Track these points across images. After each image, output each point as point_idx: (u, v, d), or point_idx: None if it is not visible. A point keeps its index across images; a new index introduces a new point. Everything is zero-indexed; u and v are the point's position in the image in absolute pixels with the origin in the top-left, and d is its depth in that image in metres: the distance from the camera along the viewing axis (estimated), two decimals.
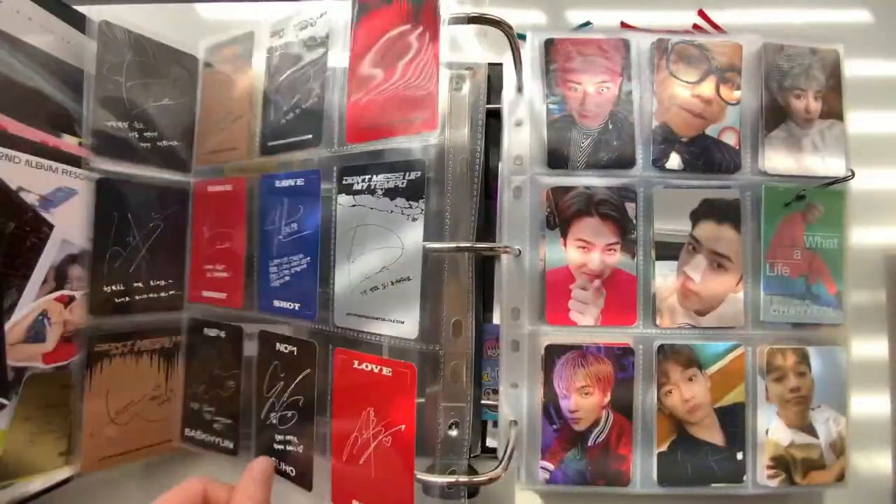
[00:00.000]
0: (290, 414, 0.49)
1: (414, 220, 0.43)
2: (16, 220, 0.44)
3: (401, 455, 0.43)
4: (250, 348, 0.52)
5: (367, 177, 0.45)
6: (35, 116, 0.46)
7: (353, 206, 0.46)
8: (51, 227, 0.46)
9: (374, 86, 0.45)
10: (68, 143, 0.48)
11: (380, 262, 0.44)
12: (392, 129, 0.44)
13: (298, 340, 0.49)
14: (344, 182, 0.47)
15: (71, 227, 0.48)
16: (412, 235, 0.44)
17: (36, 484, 0.46)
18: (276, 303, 0.50)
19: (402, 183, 0.44)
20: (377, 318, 0.45)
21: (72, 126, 0.49)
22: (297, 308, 0.49)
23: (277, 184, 0.51)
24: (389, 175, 0.44)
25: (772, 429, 0.49)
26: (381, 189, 0.45)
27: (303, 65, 0.50)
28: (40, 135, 0.46)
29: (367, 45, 0.46)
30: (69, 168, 0.48)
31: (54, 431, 0.47)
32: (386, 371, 0.44)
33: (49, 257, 0.46)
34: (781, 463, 0.49)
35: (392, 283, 0.44)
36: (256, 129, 0.52)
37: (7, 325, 0.44)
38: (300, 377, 0.49)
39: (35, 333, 0.45)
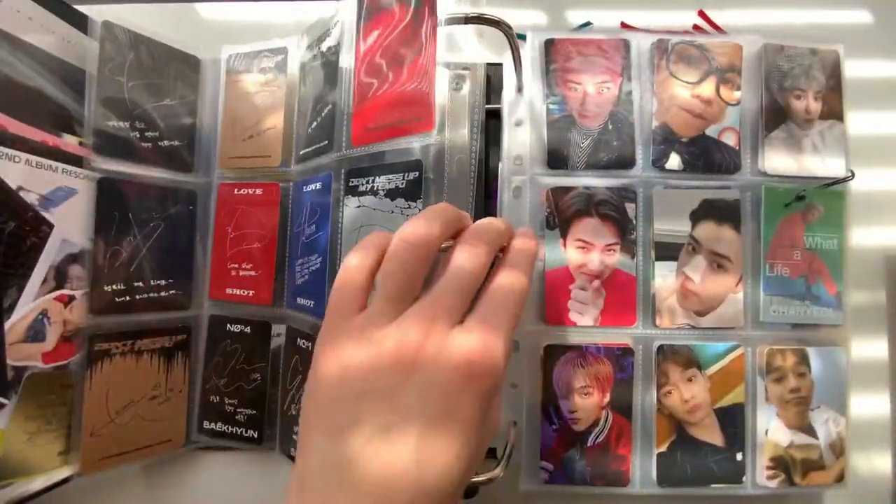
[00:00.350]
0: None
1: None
2: (16, 219, 0.44)
3: None
4: (278, 343, 0.55)
5: (370, 178, 0.46)
6: (35, 116, 0.46)
7: (359, 206, 0.47)
8: (51, 226, 0.46)
9: (377, 88, 0.46)
10: (69, 142, 0.48)
11: None
12: (392, 131, 0.45)
13: (313, 337, 0.50)
14: (350, 184, 0.48)
15: (71, 226, 0.48)
16: None
17: (36, 484, 0.46)
18: (299, 300, 0.52)
19: (402, 183, 0.44)
20: None
21: (72, 126, 0.48)
22: (311, 306, 0.50)
23: (305, 188, 0.53)
24: (390, 176, 0.45)
25: (771, 429, 0.49)
26: (383, 190, 0.45)
27: (324, 74, 0.51)
28: (41, 134, 0.46)
29: (371, 48, 0.47)
30: (69, 168, 0.48)
31: (54, 431, 0.47)
32: None
33: (49, 257, 0.46)
34: (781, 463, 0.49)
35: None
36: (292, 139, 0.55)
37: (7, 325, 0.44)
38: None
39: (35, 333, 0.45)
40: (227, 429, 0.54)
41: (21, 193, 0.45)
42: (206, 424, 0.55)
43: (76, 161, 0.48)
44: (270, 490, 0.54)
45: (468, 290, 0.35)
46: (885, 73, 0.58)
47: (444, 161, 0.44)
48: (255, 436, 0.54)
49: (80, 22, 0.49)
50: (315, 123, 0.52)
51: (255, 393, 0.54)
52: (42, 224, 0.46)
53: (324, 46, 0.52)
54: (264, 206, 0.55)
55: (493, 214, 0.52)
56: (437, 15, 0.43)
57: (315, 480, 0.31)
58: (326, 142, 0.50)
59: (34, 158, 0.45)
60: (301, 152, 0.54)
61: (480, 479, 0.43)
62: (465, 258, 0.35)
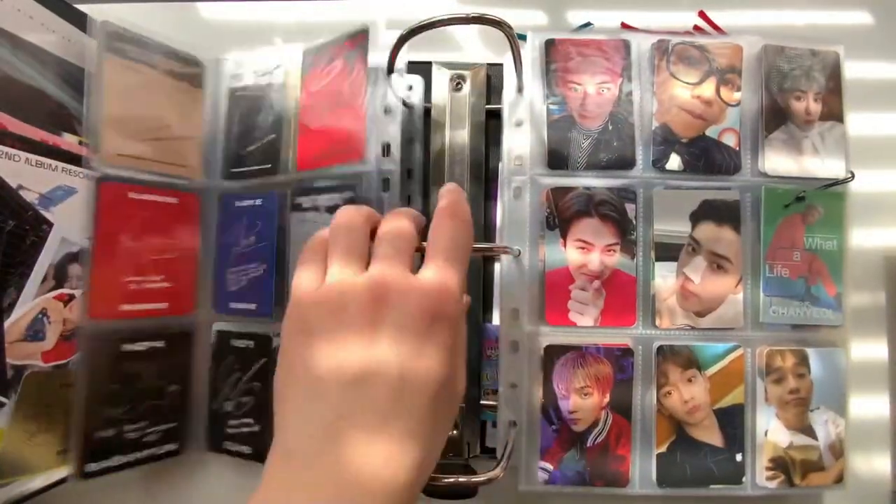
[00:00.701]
0: (245, 400, 0.53)
1: None
2: (16, 218, 0.44)
3: None
4: (204, 350, 0.55)
5: (314, 197, 0.52)
6: (36, 115, 0.46)
7: (304, 220, 0.52)
8: (50, 225, 0.46)
9: (319, 124, 0.53)
10: (68, 141, 0.48)
11: None
12: (331, 159, 0.51)
13: (255, 335, 0.53)
14: (296, 201, 0.53)
15: (70, 225, 0.48)
16: None
17: (35, 483, 0.46)
18: (233, 305, 0.55)
19: (340, 202, 0.50)
20: None
21: (72, 125, 0.49)
22: (253, 308, 0.54)
23: (238, 203, 0.55)
24: (331, 195, 0.51)
25: (771, 430, 0.49)
26: (324, 207, 0.51)
27: (264, 106, 0.56)
28: (41, 133, 0.46)
29: (314, 92, 0.53)
30: (69, 167, 0.48)
31: (53, 430, 0.47)
32: None
33: (49, 255, 0.46)
34: (780, 464, 0.49)
35: None
36: (218, 155, 0.57)
37: (6, 324, 0.44)
38: (257, 366, 0.53)
39: (35, 332, 0.45)
40: (131, 457, 0.51)
41: (21, 192, 0.45)
42: (89, 468, 0.48)
43: (76, 160, 0.48)
44: None
45: (410, 242, 0.36)
46: (884, 74, 0.58)
47: (371, 184, 0.50)
48: (176, 448, 0.53)
49: (81, 21, 0.49)
50: (253, 147, 0.56)
51: (172, 404, 0.53)
52: (42, 223, 0.46)
53: (262, 81, 0.56)
54: (180, 216, 0.54)
55: (494, 215, 0.54)
56: (366, 68, 0.50)
57: (301, 444, 0.30)
58: (270, 165, 0.55)
59: (34, 157, 0.45)
60: (233, 170, 0.56)
61: (480, 479, 0.43)
62: (394, 221, 0.37)
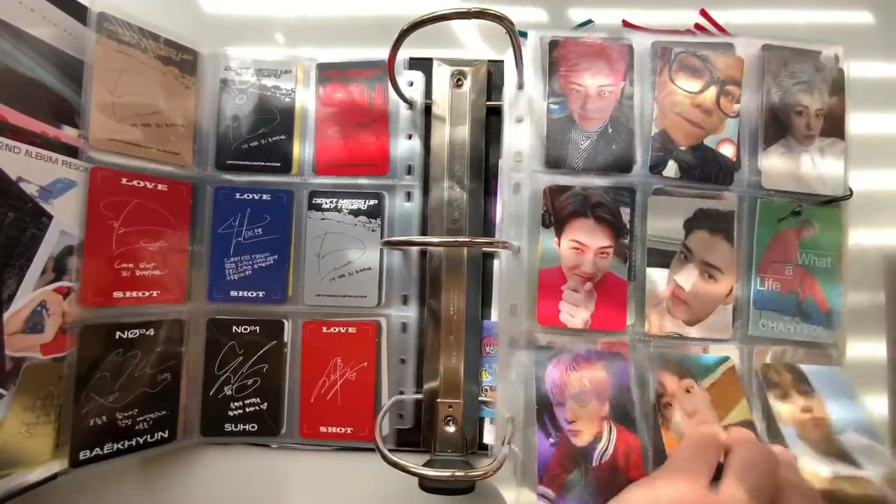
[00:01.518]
0: (250, 382, 0.55)
1: (373, 230, 0.56)
2: (15, 210, 0.44)
3: (364, 382, 0.55)
4: (197, 338, 0.56)
5: (334, 200, 0.57)
6: (36, 107, 0.46)
7: (322, 219, 0.57)
8: (50, 217, 0.46)
9: (339, 137, 0.57)
10: (68, 134, 0.48)
11: (346, 258, 0.56)
12: (355, 170, 0.57)
13: (260, 321, 0.56)
14: (314, 202, 0.57)
15: (70, 218, 0.48)
16: (371, 239, 0.56)
17: (33, 475, 0.46)
18: (234, 293, 0.56)
19: (364, 206, 0.56)
20: (344, 296, 0.56)
21: (72, 117, 0.48)
22: (260, 295, 0.56)
23: (238, 196, 0.57)
24: (353, 200, 0.57)
25: (801, 458, 0.44)
26: (347, 209, 0.57)
27: (267, 106, 0.58)
28: (41, 125, 0.46)
29: (331, 107, 0.58)
30: (69, 159, 0.47)
31: (52, 423, 0.47)
32: (351, 329, 0.55)
33: (48, 248, 0.46)
34: (833, 502, 0.42)
35: (357, 272, 0.56)
36: (209, 145, 0.57)
37: (5, 315, 0.44)
38: (265, 349, 0.56)
39: (34, 324, 0.46)
40: (122, 444, 0.51)
41: (21, 184, 0.44)
42: (81, 455, 0.49)
43: (76, 153, 0.48)
44: (265, 486, 0.56)
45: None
46: (885, 74, 0.58)
47: (394, 195, 0.56)
48: (167, 436, 0.53)
49: (81, 13, 0.49)
50: (256, 144, 0.57)
51: (163, 393, 0.53)
52: (41, 215, 0.46)
53: (267, 82, 0.58)
54: (171, 204, 0.54)
55: (493, 212, 0.54)
56: (387, 96, 0.57)
57: None
58: (279, 164, 0.57)
59: (34, 149, 0.45)
60: (229, 162, 0.57)
61: (476, 473, 0.44)
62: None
